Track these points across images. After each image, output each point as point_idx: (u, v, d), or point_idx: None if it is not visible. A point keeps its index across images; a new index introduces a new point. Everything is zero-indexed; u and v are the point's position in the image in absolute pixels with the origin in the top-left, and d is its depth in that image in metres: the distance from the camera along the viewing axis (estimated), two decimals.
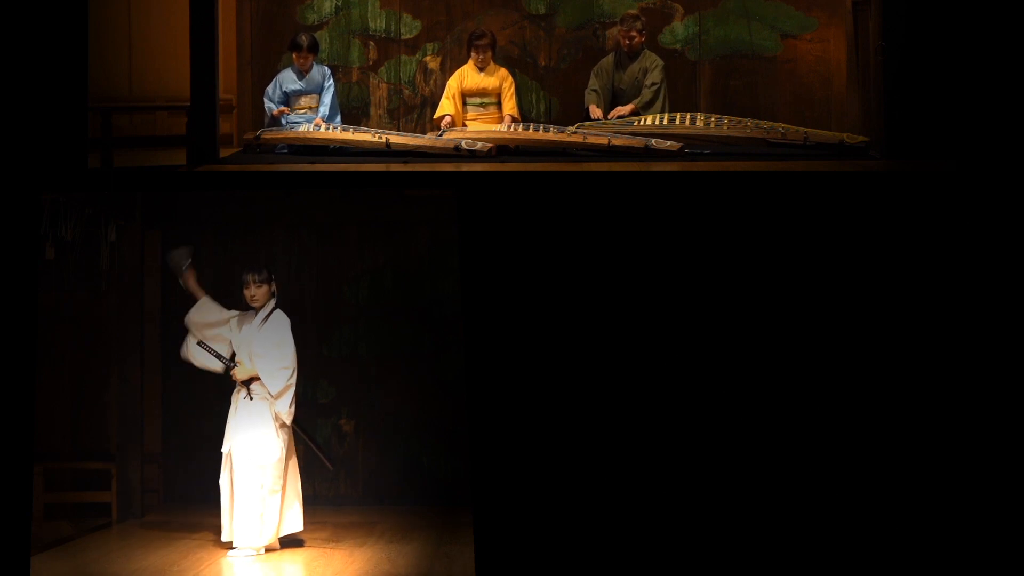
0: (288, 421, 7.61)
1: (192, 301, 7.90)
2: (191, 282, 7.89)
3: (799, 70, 8.59)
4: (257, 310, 7.75)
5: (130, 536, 8.08)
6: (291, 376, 7.62)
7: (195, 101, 7.30)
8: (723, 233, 6.67)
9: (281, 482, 7.56)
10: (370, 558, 7.37)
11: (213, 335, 7.79)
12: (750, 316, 6.65)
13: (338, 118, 8.14)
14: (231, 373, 7.66)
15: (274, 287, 7.80)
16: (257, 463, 7.51)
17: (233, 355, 7.73)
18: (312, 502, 8.57)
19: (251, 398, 7.60)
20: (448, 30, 8.72)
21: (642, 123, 7.83)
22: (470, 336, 6.67)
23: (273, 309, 7.76)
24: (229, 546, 7.50)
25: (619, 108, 8.04)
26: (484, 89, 8.17)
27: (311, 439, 7.99)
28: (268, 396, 7.59)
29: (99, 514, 8.48)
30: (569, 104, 8.52)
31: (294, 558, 7.48)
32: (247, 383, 7.63)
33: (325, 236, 9.02)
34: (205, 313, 7.82)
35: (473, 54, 8.19)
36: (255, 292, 7.73)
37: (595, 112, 8.05)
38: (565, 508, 6.60)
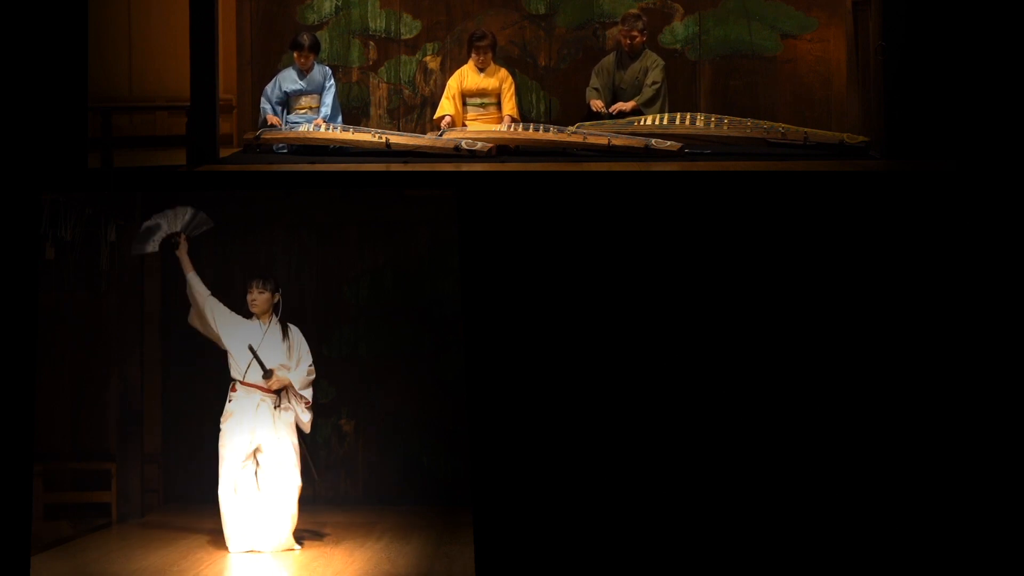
0: (308, 430, 7.72)
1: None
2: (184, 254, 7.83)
3: (799, 70, 8.59)
4: (257, 316, 7.73)
5: (130, 536, 8.07)
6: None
7: (195, 101, 7.30)
8: (723, 233, 6.67)
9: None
10: (370, 558, 7.37)
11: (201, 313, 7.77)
12: (750, 316, 6.65)
13: (339, 118, 8.14)
14: (266, 382, 7.63)
15: (278, 297, 7.79)
16: (287, 467, 7.58)
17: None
18: (312, 502, 8.58)
19: (279, 406, 7.64)
20: (448, 30, 8.72)
21: (642, 123, 7.83)
22: (470, 336, 6.67)
23: (284, 321, 7.78)
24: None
25: (620, 104, 8.04)
26: (484, 89, 8.18)
27: (304, 448, 8.00)
28: (291, 405, 7.62)
29: (99, 514, 8.48)
30: (569, 104, 8.52)
31: (294, 558, 7.48)
32: (278, 392, 7.66)
33: (325, 236, 9.02)
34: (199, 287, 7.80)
35: (473, 55, 8.19)
36: (256, 297, 7.72)
37: (597, 104, 8.05)
38: (565, 508, 6.60)
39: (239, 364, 7.65)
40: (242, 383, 7.63)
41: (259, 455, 7.59)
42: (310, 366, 7.72)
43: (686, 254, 6.67)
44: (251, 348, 7.62)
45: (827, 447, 6.62)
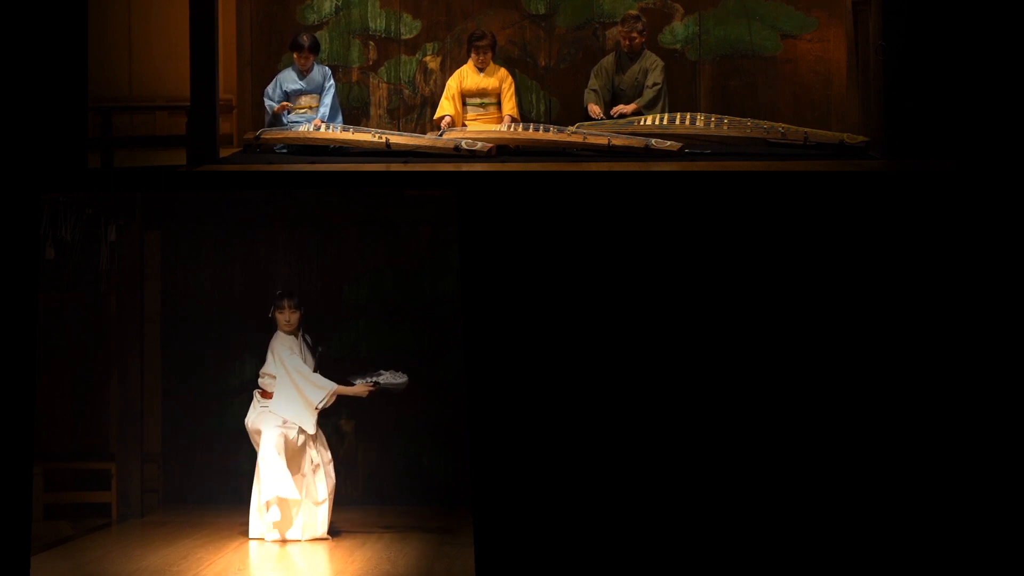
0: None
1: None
2: None
3: (799, 70, 8.59)
4: (290, 333, 7.83)
5: (130, 536, 8.08)
6: None
7: (195, 101, 7.30)
8: (723, 233, 6.67)
9: None
10: (370, 558, 7.37)
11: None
12: (750, 316, 6.65)
13: (339, 118, 8.14)
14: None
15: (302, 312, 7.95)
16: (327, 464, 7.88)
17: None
18: None
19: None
20: (448, 30, 8.72)
21: (642, 123, 7.83)
22: (470, 336, 6.67)
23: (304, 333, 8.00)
24: (242, 542, 7.62)
25: (621, 106, 8.04)
26: (484, 89, 8.18)
27: None
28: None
29: (99, 514, 8.48)
30: (569, 104, 8.52)
31: (294, 558, 7.49)
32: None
33: (325, 236, 9.02)
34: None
35: (473, 55, 8.19)
36: (290, 317, 7.86)
37: (594, 110, 8.05)
38: (565, 508, 6.60)
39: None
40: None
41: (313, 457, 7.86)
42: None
43: (686, 254, 6.67)
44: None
45: (827, 447, 6.62)
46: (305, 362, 7.88)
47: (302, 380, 7.79)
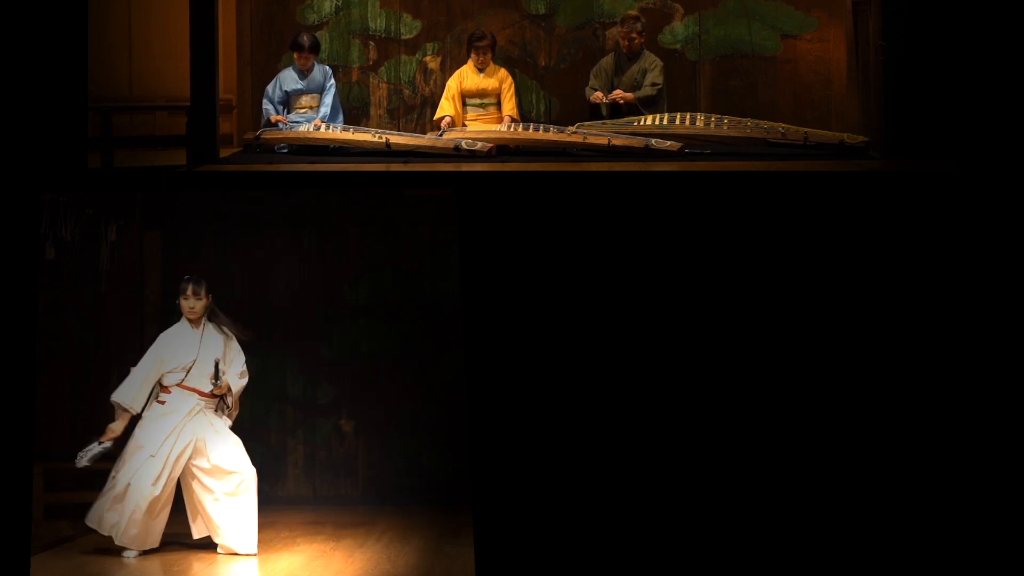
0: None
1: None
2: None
3: (799, 70, 8.59)
4: (193, 322, 7.62)
5: None
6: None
7: (195, 101, 7.31)
8: (723, 233, 6.67)
9: None
10: (370, 558, 7.37)
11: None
12: (750, 316, 6.65)
13: (340, 117, 8.14)
14: (216, 388, 7.49)
15: (210, 300, 7.65)
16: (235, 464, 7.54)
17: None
18: (312, 502, 8.59)
19: (222, 412, 7.56)
20: (448, 30, 8.72)
21: (642, 123, 7.84)
22: (470, 336, 6.67)
23: (216, 323, 7.63)
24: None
25: (619, 91, 8.04)
26: (484, 90, 8.18)
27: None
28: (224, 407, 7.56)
29: None
30: (569, 104, 8.53)
31: (294, 558, 7.48)
32: (223, 397, 7.56)
33: (325, 236, 9.02)
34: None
35: (473, 55, 8.19)
36: (194, 304, 7.55)
37: (597, 97, 8.04)
38: (565, 508, 6.60)
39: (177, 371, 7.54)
40: (180, 386, 7.51)
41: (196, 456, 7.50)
42: (243, 367, 7.58)
43: (686, 254, 6.67)
44: (217, 363, 7.50)
45: (827, 447, 6.62)
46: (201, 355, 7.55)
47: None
